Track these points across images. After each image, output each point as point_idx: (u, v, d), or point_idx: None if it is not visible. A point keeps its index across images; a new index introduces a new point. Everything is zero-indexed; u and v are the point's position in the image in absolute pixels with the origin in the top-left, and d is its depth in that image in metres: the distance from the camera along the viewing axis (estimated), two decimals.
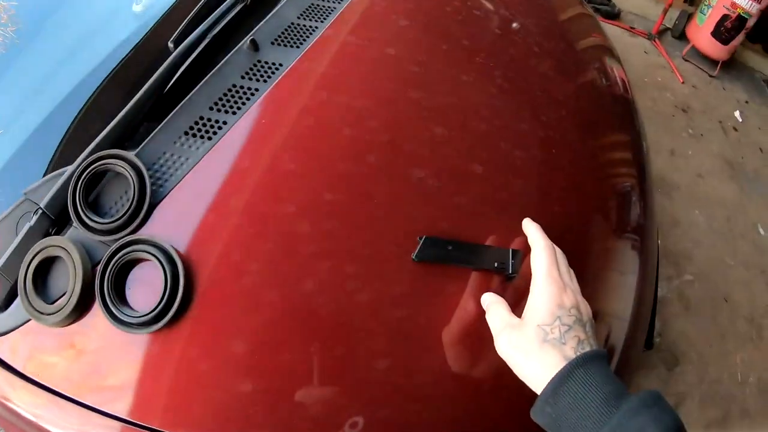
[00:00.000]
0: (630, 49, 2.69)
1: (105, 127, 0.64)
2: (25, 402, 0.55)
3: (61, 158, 0.75)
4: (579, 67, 1.04)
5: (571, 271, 0.57)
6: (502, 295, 0.59)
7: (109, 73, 0.84)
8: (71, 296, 0.54)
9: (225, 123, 0.62)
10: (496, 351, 0.53)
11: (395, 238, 0.57)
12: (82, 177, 0.59)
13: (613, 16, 2.86)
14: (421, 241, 0.57)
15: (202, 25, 0.76)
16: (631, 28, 2.81)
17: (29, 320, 0.56)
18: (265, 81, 0.66)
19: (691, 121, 2.40)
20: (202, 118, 0.63)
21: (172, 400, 0.51)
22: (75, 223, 0.57)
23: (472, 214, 0.63)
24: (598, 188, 0.85)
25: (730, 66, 2.80)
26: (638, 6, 2.96)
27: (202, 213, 0.57)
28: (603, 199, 0.85)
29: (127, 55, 0.86)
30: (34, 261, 0.56)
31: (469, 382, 0.56)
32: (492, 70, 0.80)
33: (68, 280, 0.54)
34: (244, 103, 0.64)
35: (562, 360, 0.47)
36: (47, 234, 0.60)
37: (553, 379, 0.46)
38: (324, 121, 0.62)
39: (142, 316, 0.52)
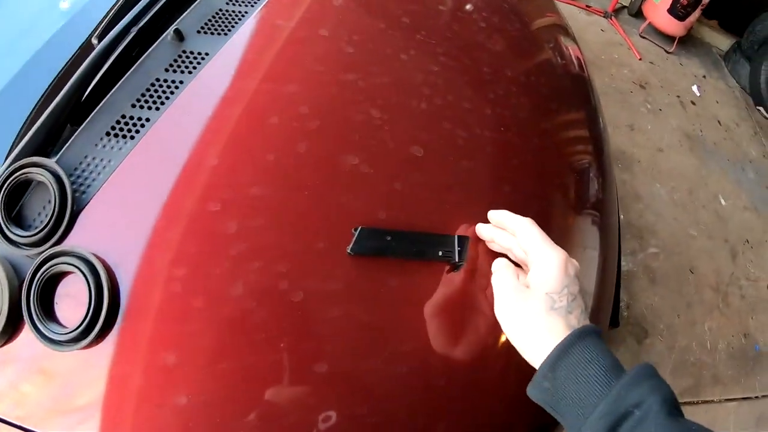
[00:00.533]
0: (586, 27, 2.70)
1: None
2: None
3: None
4: (531, 44, 1.02)
5: None
6: (453, 287, 0.57)
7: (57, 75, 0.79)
8: None
9: (148, 120, 0.58)
10: (441, 348, 0.51)
11: (330, 232, 0.54)
12: (2, 188, 0.56)
13: None
14: (356, 233, 0.54)
15: (125, 18, 0.71)
16: (587, 6, 2.83)
17: None
18: (189, 72, 0.62)
19: (649, 97, 2.43)
20: (124, 116, 0.59)
21: (111, 420, 0.48)
22: None
23: (414, 200, 0.60)
24: (553, 165, 0.84)
25: (687, 42, 2.86)
26: None
27: (126, 218, 0.53)
28: (559, 176, 0.83)
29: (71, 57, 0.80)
30: None
31: (415, 380, 0.54)
32: (434, 47, 0.77)
33: None
34: (168, 98, 0.60)
35: (566, 329, 0.46)
36: None
37: (554, 350, 0.45)
38: (250, 111, 0.59)
39: (70, 332, 0.49)
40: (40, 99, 0.78)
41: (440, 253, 0.57)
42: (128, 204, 0.54)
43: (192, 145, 0.56)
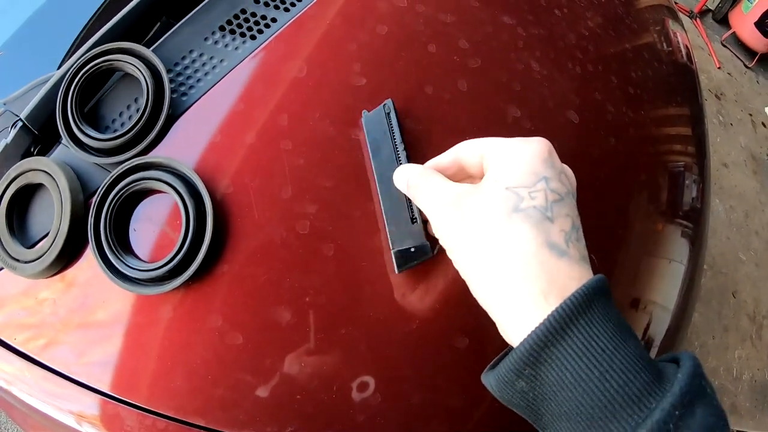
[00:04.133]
0: None
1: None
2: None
3: None
4: (646, 27, 0.93)
5: None
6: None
7: None
8: (55, 238, 0.41)
9: (274, 20, 0.49)
10: None
11: None
12: (78, 78, 0.45)
13: None
14: (386, 105, 0.42)
15: None
16: (675, 2, 2.65)
17: (1, 269, 0.44)
18: None
19: (722, 108, 2.31)
20: (244, 11, 0.49)
21: (193, 382, 0.39)
22: (64, 138, 0.43)
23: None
24: (656, 161, 0.75)
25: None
26: None
27: (241, 132, 0.44)
28: (661, 175, 0.74)
29: None
30: (9, 190, 0.43)
31: None
32: (583, 11, 0.67)
33: (53, 217, 0.41)
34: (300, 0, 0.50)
35: (543, 248, 0.27)
36: (28, 154, 0.46)
37: (539, 326, 0.25)
38: (404, 33, 0.49)
39: (154, 269, 0.39)
40: None
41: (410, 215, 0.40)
42: (243, 116, 0.45)
43: (332, 57, 0.46)
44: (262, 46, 0.47)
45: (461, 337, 0.42)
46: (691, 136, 0.89)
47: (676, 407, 0.23)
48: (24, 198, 0.45)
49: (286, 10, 0.49)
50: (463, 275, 0.31)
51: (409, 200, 0.40)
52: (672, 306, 0.70)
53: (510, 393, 0.27)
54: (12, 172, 0.44)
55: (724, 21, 2.67)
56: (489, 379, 0.29)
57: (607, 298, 0.27)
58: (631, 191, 0.67)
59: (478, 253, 0.29)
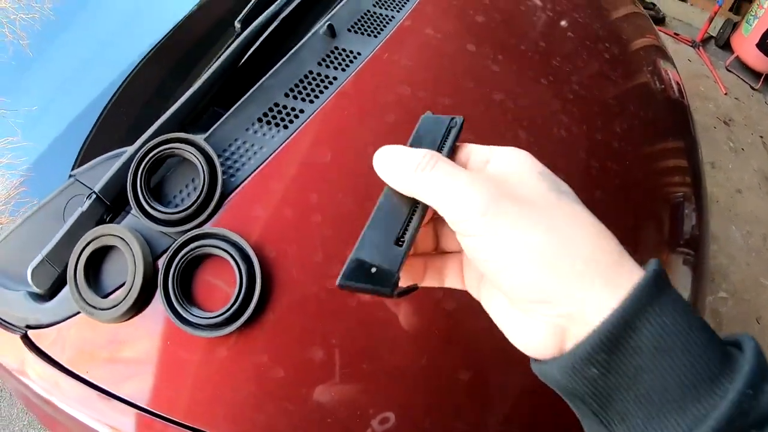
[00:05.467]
0: (673, 56, 2.60)
1: (154, 112, 0.61)
2: (70, 399, 0.52)
3: (95, 141, 0.73)
4: (638, 68, 1.01)
5: None
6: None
7: (146, 54, 0.81)
8: (130, 291, 0.51)
9: (302, 111, 0.60)
10: None
11: None
12: (145, 161, 0.56)
13: (658, 21, 2.78)
14: (455, 119, 0.32)
15: (274, 5, 0.73)
16: (675, 34, 2.73)
17: (77, 313, 0.53)
18: (343, 69, 0.63)
19: (732, 134, 2.33)
20: (277, 104, 0.61)
21: (242, 410, 0.49)
22: (135, 210, 0.53)
23: None
24: (653, 195, 0.82)
25: None
26: (683, 13, 2.88)
27: (280, 208, 0.55)
28: (659, 207, 0.82)
29: (168, 33, 0.83)
30: (87, 249, 0.53)
31: None
32: (568, 75, 0.77)
33: (125, 273, 0.51)
34: (321, 92, 0.61)
35: (602, 227, 0.25)
36: (101, 221, 0.57)
37: (620, 309, 0.23)
38: (408, 119, 0.60)
39: (213, 317, 0.49)
40: (126, 78, 0.79)
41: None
42: (281, 194, 0.55)
43: (351, 143, 0.57)
44: (294, 135, 0.58)
45: (463, 370, 0.50)
46: (687, 168, 0.96)
47: (744, 387, 0.22)
48: (98, 257, 0.54)
49: (311, 101, 0.60)
50: (501, 272, 0.25)
51: (408, 219, 0.29)
52: None
53: (576, 381, 0.24)
54: (89, 236, 0.53)
55: (727, 46, 2.72)
56: (549, 368, 0.25)
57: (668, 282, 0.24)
58: (635, 226, 0.75)
59: (530, 241, 0.24)
